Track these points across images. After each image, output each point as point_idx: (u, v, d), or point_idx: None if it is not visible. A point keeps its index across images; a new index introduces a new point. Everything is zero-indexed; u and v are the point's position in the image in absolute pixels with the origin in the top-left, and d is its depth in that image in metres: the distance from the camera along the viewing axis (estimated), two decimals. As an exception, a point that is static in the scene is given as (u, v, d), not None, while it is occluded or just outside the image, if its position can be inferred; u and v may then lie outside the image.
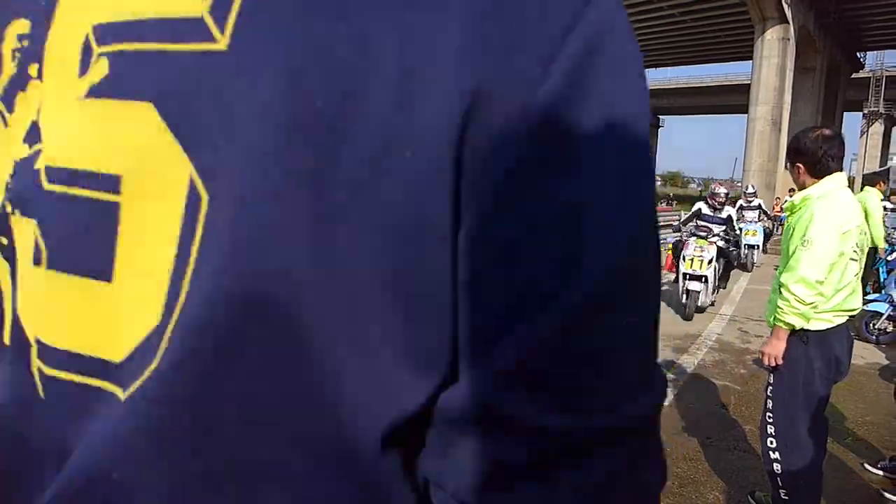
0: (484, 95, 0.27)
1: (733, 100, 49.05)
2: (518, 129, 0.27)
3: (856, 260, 2.35)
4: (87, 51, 0.32)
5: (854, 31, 33.20)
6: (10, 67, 0.35)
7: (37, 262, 0.33)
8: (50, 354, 0.33)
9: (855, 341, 2.59)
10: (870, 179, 4.49)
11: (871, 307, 5.97)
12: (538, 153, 0.27)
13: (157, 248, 0.30)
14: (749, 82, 28.45)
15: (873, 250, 5.92)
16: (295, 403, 0.30)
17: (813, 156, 2.32)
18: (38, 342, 0.34)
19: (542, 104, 0.27)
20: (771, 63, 26.90)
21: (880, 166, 37.06)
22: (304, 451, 0.31)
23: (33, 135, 0.34)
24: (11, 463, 0.36)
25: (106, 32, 0.31)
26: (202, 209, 0.29)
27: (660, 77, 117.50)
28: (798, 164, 2.39)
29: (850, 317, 2.40)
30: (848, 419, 3.92)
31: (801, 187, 2.40)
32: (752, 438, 3.36)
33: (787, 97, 27.42)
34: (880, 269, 6.58)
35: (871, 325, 6.07)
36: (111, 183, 0.30)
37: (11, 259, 0.35)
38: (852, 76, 37.28)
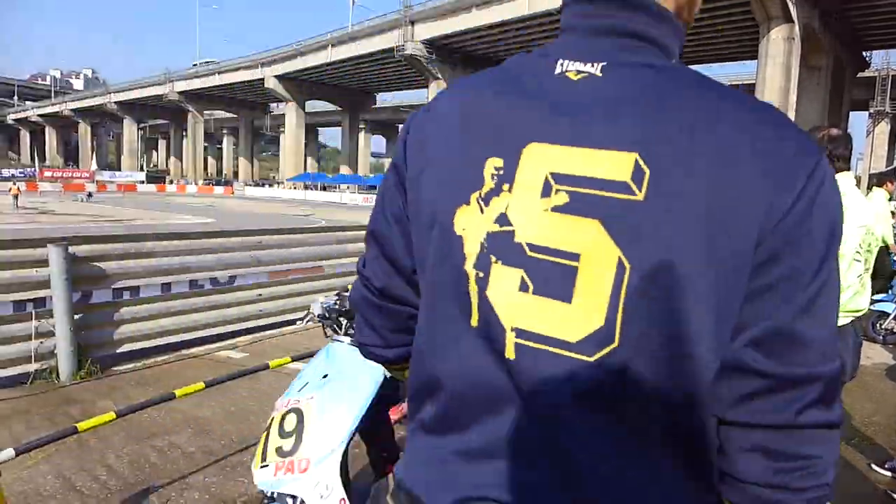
0: (773, 207, 0.56)
1: (738, 99, 48.74)
2: (784, 223, 0.56)
3: (859, 261, 2.35)
4: (547, 184, 0.61)
5: (859, 30, 33.05)
6: (489, 183, 0.64)
7: (523, 289, 0.62)
8: (524, 334, 0.62)
9: (862, 341, 2.58)
10: (878, 180, 4.46)
11: (878, 307, 5.95)
12: (795, 235, 0.56)
13: (599, 289, 0.58)
14: (754, 82, 28.39)
15: (884, 249, 5.90)
16: (674, 384, 0.58)
17: None
18: (514, 328, 0.62)
19: (798, 210, 0.56)
20: (776, 62, 26.83)
21: (886, 166, 36.87)
22: (675, 411, 0.59)
23: (501, 220, 0.63)
24: (488, 397, 0.64)
25: (561, 178, 0.60)
26: (626, 271, 0.57)
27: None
28: None
29: (856, 318, 2.39)
30: (855, 419, 3.91)
31: None
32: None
33: (793, 97, 27.34)
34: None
35: (878, 325, 6.05)
36: (572, 256, 0.59)
37: (483, 283, 0.64)
38: (858, 75, 37.12)
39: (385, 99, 74.17)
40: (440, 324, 0.68)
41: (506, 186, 0.63)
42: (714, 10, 31.02)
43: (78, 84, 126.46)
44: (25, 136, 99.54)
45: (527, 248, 0.62)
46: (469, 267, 0.64)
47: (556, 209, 0.60)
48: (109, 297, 4.82)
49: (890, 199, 4.38)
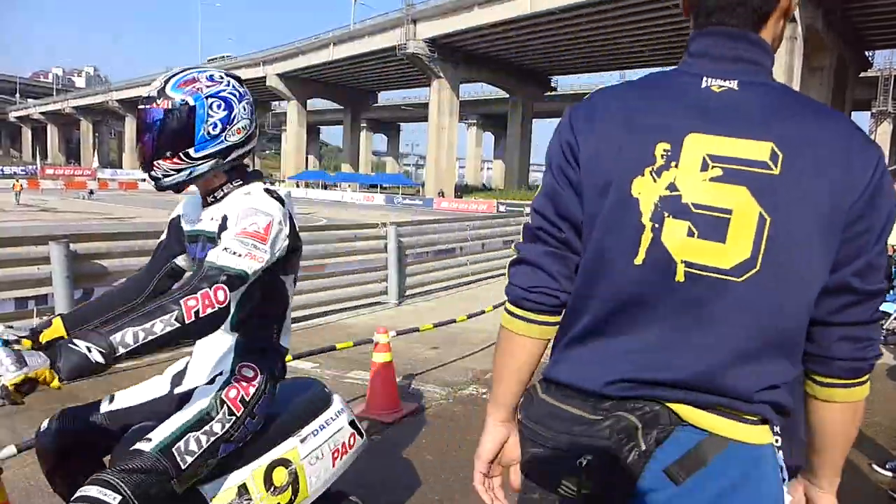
0: (859, 184, 0.88)
1: (740, 99, 48.70)
2: (864, 195, 0.87)
3: None
4: (704, 162, 0.88)
5: (862, 29, 32.98)
6: (660, 161, 0.90)
7: (690, 234, 0.88)
8: (691, 265, 0.88)
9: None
10: None
11: (881, 307, 5.94)
12: (871, 203, 0.87)
13: (746, 234, 0.86)
14: (756, 81, 28.30)
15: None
16: (792, 297, 0.89)
17: None
18: (684, 261, 0.88)
19: (871, 187, 0.87)
20: (778, 62, 26.66)
21: (888, 165, 36.70)
22: (789, 314, 0.90)
23: (671, 188, 0.89)
24: (650, 309, 0.91)
25: (715, 158, 0.88)
26: (766, 222, 0.86)
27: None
28: None
29: None
30: (856, 419, 3.90)
31: None
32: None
33: (795, 96, 27.28)
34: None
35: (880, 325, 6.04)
36: (727, 212, 0.87)
37: (658, 231, 0.89)
38: (860, 75, 37.06)
39: (387, 97, 74.23)
40: (609, 262, 0.93)
41: (673, 164, 0.90)
42: (716, 10, 30.87)
43: (80, 82, 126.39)
44: (27, 134, 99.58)
45: (692, 207, 0.89)
46: (646, 220, 0.91)
47: (712, 179, 0.89)
48: (111, 294, 4.83)
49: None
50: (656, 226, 0.90)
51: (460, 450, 3.31)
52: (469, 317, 5.62)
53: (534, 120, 54.38)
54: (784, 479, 0.99)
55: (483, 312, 5.65)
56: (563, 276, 0.99)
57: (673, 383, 0.90)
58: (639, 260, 0.91)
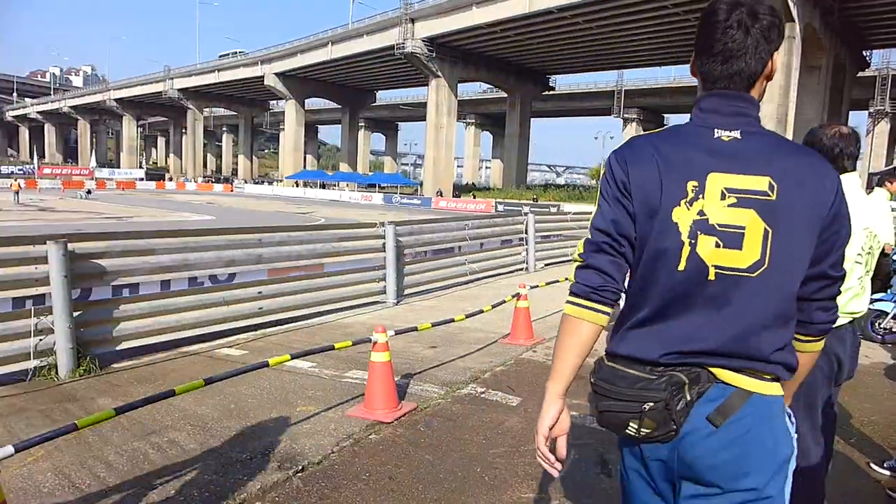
0: (829, 201, 1.27)
1: (738, 98, 48.71)
2: (833, 208, 1.26)
3: (861, 263, 2.32)
4: (723, 193, 1.24)
5: (859, 29, 33.01)
6: (691, 194, 1.25)
7: (717, 246, 1.24)
8: (719, 268, 1.24)
9: (861, 341, 2.58)
10: (879, 179, 4.44)
11: (877, 306, 5.95)
12: (836, 217, 1.27)
13: (756, 243, 1.23)
14: (754, 81, 28.30)
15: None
16: (788, 283, 1.27)
17: (828, 153, 2.29)
18: (714, 265, 1.24)
19: (837, 202, 1.27)
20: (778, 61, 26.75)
21: (886, 165, 36.81)
22: (786, 296, 1.28)
23: (700, 213, 1.24)
24: (691, 301, 1.26)
25: (730, 190, 1.24)
26: (769, 234, 1.23)
27: (664, 76, 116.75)
28: None
29: (853, 319, 2.38)
30: (853, 418, 3.91)
31: None
32: (757, 437, 3.36)
33: (793, 95, 27.29)
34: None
35: (876, 324, 6.05)
36: (741, 228, 1.23)
37: (693, 245, 1.24)
38: (858, 75, 37.11)
39: (385, 97, 74.17)
40: (659, 270, 1.28)
41: (700, 196, 1.24)
42: (714, 9, 30.91)
43: (77, 81, 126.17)
44: (24, 133, 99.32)
45: (717, 226, 1.23)
46: (685, 238, 1.25)
47: (730, 205, 1.23)
48: (109, 294, 4.83)
49: (891, 199, 4.38)
50: (692, 241, 1.25)
51: (458, 449, 3.31)
52: (467, 316, 5.62)
53: (532, 119, 54.33)
54: (792, 423, 1.33)
55: (481, 312, 5.65)
56: (620, 280, 1.34)
57: (710, 352, 1.26)
58: (681, 267, 1.26)
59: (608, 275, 1.32)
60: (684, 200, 1.25)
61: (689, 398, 1.26)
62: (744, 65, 1.30)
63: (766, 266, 1.22)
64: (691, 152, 1.27)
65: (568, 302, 1.34)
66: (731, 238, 1.23)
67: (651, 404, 1.26)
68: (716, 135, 1.28)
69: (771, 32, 1.31)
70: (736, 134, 1.27)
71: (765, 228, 1.22)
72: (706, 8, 1.38)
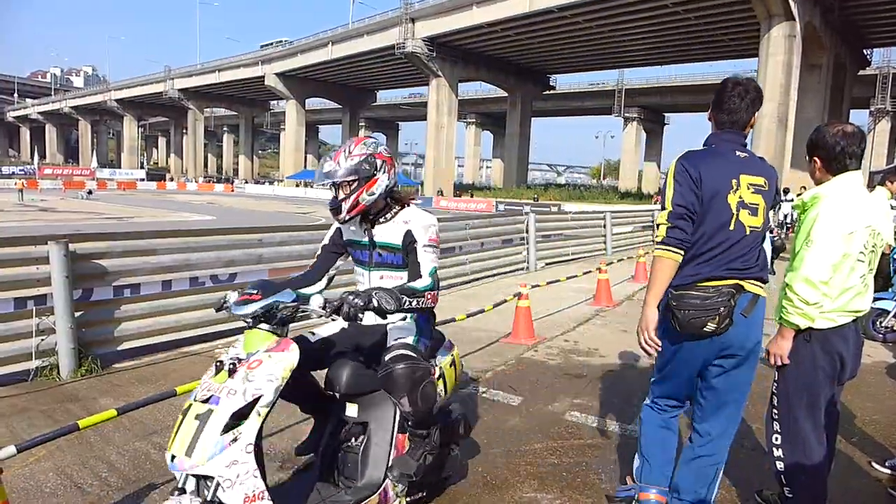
0: (775, 190, 2.42)
1: (739, 97, 48.59)
2: (774, 186, 2.40)
3: (863, 261, 2.31)
4: (748, 186, 2.29)
5: (860, 28, 32.96)
6: (734, 186, 2.29)
7: (750, 215, 2.33)
8: (751, 227, 2.32)
9: (863, 340, 2.58)
10: (881, 178, 4.43)
11: (878, 305, 5.94)
12: (776, 189, 2.43)
13: (762, 212, 2.31)
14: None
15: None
16: (765, 229, 2.40)
17: (831, 151, 2.31)
18: (749, 226, 2.28)
19: (774, 191, 2.43)
20: (777, 60, 26.73)
21: (887, 164, 36.74)
22: (763, 234, 2.37)
23: (740, 198, 2.27)
24: (735, 246, 2.26)
25: (750, 185, 2.29)
26: (765, 208, 2.36)
27: (665, 75, 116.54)
28: (815, 158, 2.37)
29: (856, 318, 2.37)
30: (855, 417, 3.91)
31: (817, 183, 2.38)
32: (760, 436, 3.35)
33: (793, 94, 27.23)
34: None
35: (878, 322, 6.04)
36: (758, 205, 2.32)
37: (738, 214, 2.27)
38: (859, 73, 37.05)
39: (385, 97, 74.11)
40: (717, 228, 2.22)
41: (738, 188, 2.24)
42: (715, 8, 31.00)
43: (78, 81, 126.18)
44: (25, 134, 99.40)
45: (749, 204, 2.25)
46: (733, 210, 2.22)
47: (752, 193, 2.26)
48: (110, 294, 4.82)
49: (891, 198, 4.37)
50: (737, 213, 2.22)
51: (458, 449, 3.31)
52: (468, 315, 5.62)
53: (532, 118, 54.29)
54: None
55: (482, 311, 5.65)
56: (690, 236, 2.22)
57: (741, 276, 2.22)
58: (731, 228, 2.22)
59: (686, 232, 2.21)
60: (730, 190, 2.22)
61: (733, 303, 2.17)
62: (738, 118, 2.31)
63: (762, 225, 2.28)
64: (729, 163, 2.26)
65: (660, 248, 2.22)
66: (754, 210, 2.24)
67: (723, 309, 2.16)
68: (736, 154, 2.28)
69: (756, 102, 2.30)
70: (744, 154, 2.30)
71: (765, 205, 2.27)
72: (722, 82, 2.35)
